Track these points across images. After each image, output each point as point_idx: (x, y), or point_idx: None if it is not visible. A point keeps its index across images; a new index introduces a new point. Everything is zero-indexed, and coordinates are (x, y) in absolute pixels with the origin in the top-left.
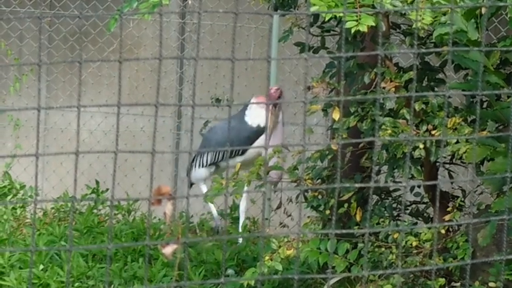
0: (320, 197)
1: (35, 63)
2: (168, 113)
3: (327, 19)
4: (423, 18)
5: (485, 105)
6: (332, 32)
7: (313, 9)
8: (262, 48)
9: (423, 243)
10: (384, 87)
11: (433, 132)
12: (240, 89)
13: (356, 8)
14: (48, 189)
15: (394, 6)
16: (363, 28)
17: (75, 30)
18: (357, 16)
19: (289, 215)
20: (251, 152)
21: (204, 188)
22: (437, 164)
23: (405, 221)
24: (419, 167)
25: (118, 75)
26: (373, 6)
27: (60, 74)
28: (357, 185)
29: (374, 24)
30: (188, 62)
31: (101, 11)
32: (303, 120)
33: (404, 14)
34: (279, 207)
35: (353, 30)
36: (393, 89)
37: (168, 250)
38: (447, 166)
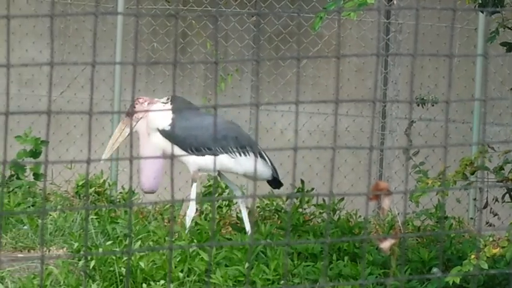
0: None
1: (252, 59)
2: (373, 112)
3: None
4: None
5: None
6: None
7: None
8: (467, 49)
9: None
10: None
11: None
12: (444, 89)
13: None
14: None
15: None
16: None
17: (280, 30)
18: None
19: (496, 215)
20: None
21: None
22: None
23: None
24: None
25: (323, 76)
26: None
27: (265, 74)
28: None
29: None
30: (393, 62)
31: (307, 9)
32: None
33: None
34: (485, 207)
35: None
36: None
37: (386, 245)
38: None
